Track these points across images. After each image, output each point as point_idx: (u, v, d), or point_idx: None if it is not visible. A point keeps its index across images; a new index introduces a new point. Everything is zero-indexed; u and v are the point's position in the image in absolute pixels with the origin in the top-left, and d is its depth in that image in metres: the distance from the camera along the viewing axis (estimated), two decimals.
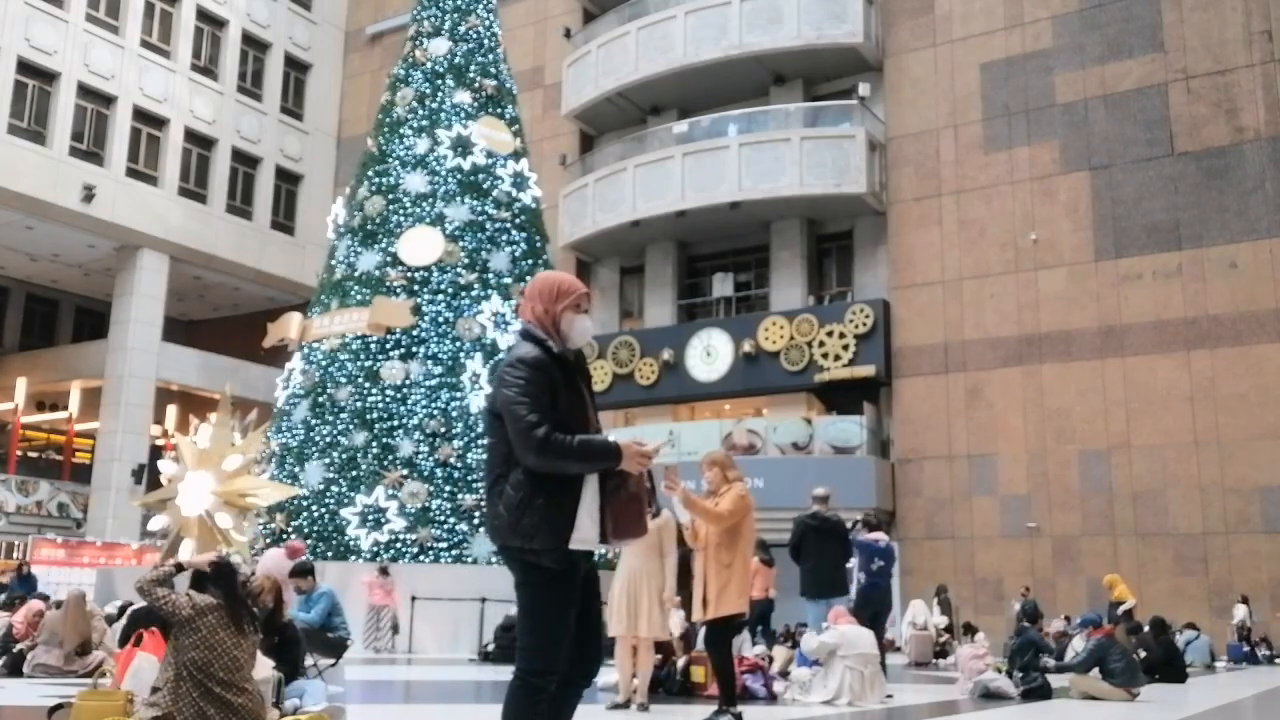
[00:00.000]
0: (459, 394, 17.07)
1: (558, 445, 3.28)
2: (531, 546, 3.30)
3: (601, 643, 3.64)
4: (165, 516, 13.73)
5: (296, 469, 16.78)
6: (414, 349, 17.33)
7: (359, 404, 16.98)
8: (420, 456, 16.50)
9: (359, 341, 17.52)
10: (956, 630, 18.11)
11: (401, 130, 19.18)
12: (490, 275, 18.14)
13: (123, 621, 9.07)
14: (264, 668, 5.66)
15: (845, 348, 23.86)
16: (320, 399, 17.35)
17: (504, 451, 3.40)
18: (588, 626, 3.49)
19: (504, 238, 18.58)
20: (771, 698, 8.71)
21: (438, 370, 17.18)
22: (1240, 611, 19.16)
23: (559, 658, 3.35)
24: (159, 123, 28.62)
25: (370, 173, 19.16)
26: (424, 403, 16.91)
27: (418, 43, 20.02)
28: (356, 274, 18.25)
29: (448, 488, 16.35)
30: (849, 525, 9.96)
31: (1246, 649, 18.75)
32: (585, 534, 3.35)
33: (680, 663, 9.18)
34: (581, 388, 3.55)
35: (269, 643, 6.23)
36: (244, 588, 5.25)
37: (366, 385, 17.12)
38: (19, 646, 9.64)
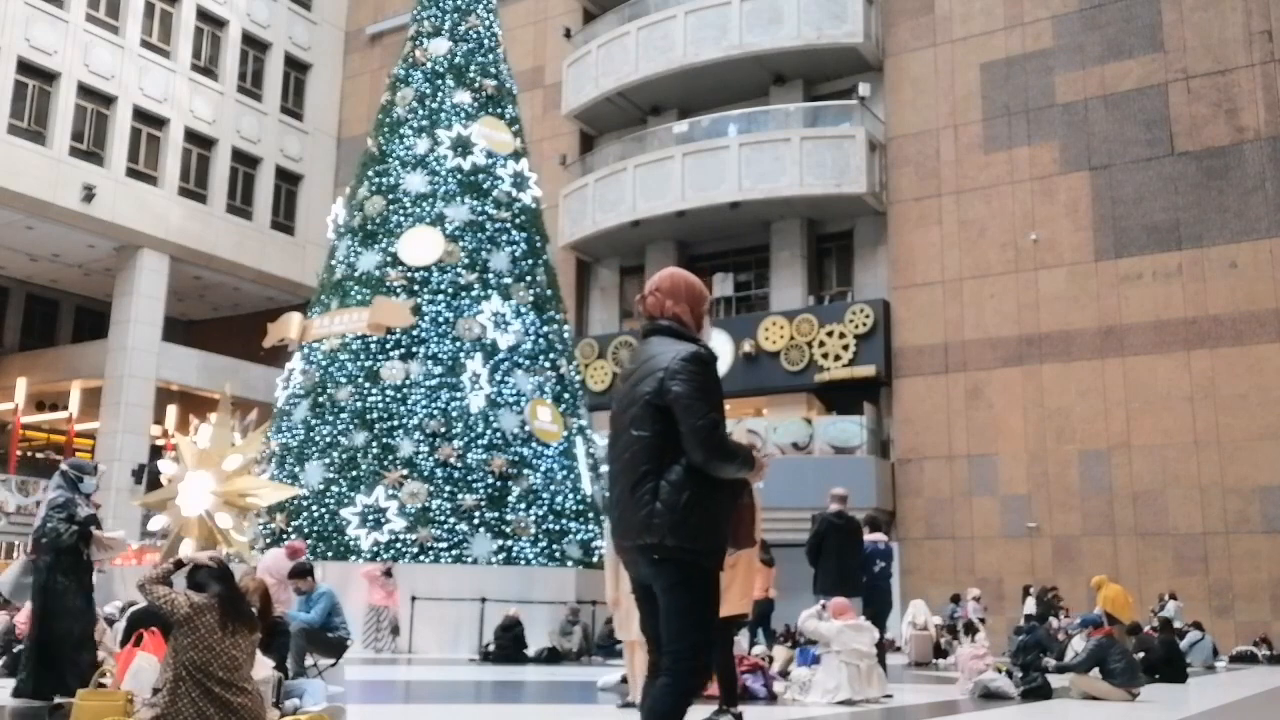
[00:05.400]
0: (459, 394, 17.07)
1: (730, 447, 3.25)
2: (694, 546, 3.22)
3: None
4: (165, 516, 13.76)
5: (296, 469, 16.78)
6: (414, 349, 17.33)
7: (359, 404, 16.98)
8: (420, 456, 16.50)
9: (359, 341, 17.52)
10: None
11: (401, 130, 19.19)
12: (490, 275, 18.15)
13: (122, 622, 9.06)
14: (264, 668, 5.66)
15: (845, 348, 23.86)
16: (320, 399, 17.35)
17: (658, 446, 3.28)
18: None
19: (504, 238, 18.58)
20: (771, 698, 8.70)
21: (438, 370, 17.18)
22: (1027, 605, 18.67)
23: (710, 659, 3.35)
24: (159, 123, 28.60)
25: (370, 173, 19.17)
26: (424, 403, 16.90)
27: (418, 43, 20.03)
28: (356, 274, 18.25)
29: (448, 488, 16.34)
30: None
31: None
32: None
33: None
34: None
35: (264, 641, 6.23)
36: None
37: (366, 385, 17.11)
38: (19, 647, 9.62)
